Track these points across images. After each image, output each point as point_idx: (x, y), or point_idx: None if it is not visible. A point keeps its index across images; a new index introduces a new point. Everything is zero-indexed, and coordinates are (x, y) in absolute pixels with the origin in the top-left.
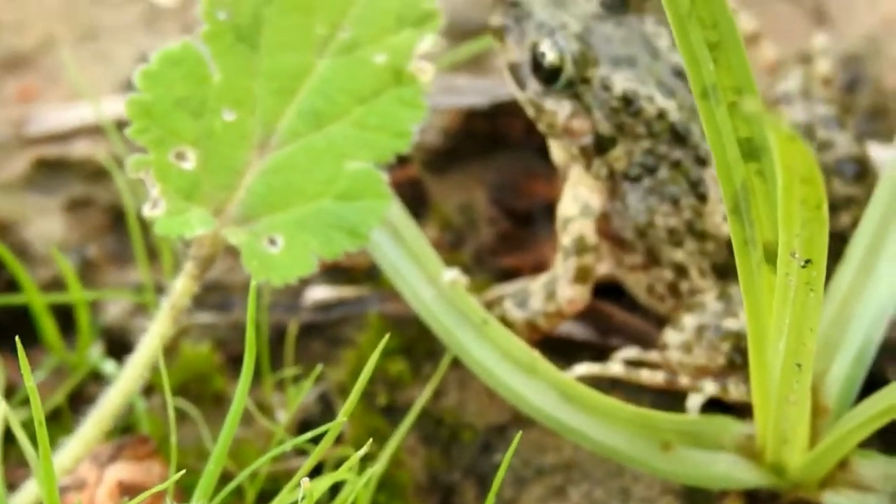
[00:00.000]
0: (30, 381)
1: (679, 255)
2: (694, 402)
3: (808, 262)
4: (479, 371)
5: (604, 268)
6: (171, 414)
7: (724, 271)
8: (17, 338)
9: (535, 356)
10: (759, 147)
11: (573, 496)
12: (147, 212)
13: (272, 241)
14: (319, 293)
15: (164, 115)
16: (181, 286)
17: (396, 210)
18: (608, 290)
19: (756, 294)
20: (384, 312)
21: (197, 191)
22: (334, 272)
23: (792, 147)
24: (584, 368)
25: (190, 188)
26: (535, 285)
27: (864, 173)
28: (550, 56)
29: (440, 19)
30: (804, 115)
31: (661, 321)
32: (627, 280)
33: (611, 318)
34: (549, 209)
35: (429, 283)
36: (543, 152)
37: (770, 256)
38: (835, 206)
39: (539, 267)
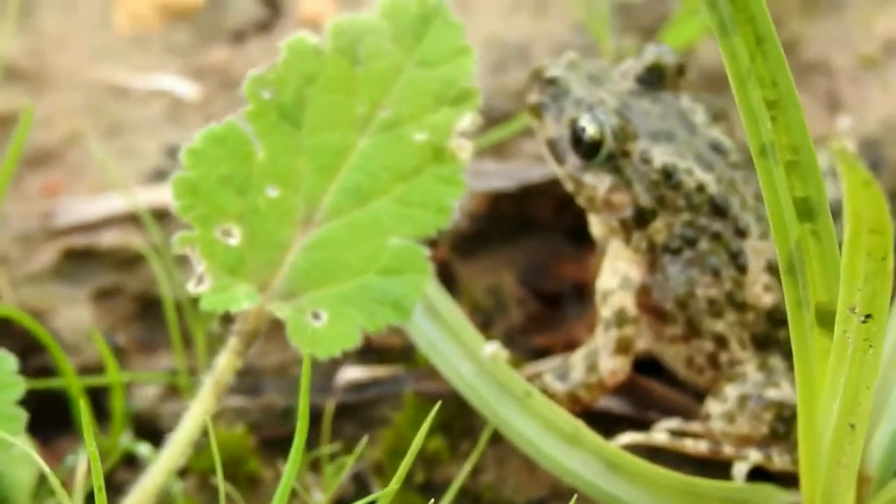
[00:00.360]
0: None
1: (719, 326)
2: (739, 470)
3: (868, 317)
4: (521, 443)
5: (642, 343)
6: (222, 492)
7: (764, 343)
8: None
9: (579, 425)
10: (814, 206)
11: None
12: (192, 288)
13: (316, 316)
14: (353, 373)
15: (210, 192)
16: (225, 362)
17: (432, 287)
18: (647, 366)
19: (808, 356)
20: (420, 391)
21: (242, 267)
22: (367, 352)
23: (865, 193)
24: (629, 437)
25: (235, 264)
26: (575, 358)
27: None
28: (590, 130)
29: (478, 98)
30: (836, 193)
31: (700, 395)
32: (666, 354)
33: (650, 392)
34: (578, 290)
35: (468, 358)
36: (571, 234)
37: (822, 318)
38: None
39: (570, 346)
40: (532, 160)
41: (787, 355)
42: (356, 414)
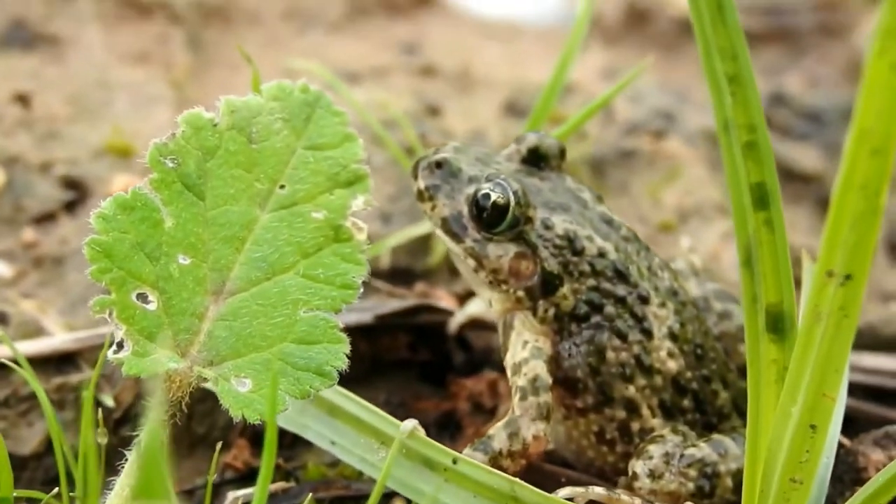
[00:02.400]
0: None
1: (630, 391)
2: None
3: (847, 278)
4: None
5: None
6: None
7: (671, 411)
8: None
9: (516, 481)
10: (768, 194)
11: None
12: (112, 355)
13: (241, 383)
14: (241, 494)
15: (124, 256)
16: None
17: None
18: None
19: (758, 363)
20: (321, 498)
21: (160, 332)
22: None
23: (884, 93)
24: (568, 490)
25: (154, 329)
26: (494, 429)
27: None
28: (494, 196)
29: (369, 182)
30: (699, 290)
31: (610, 477)
32: (574, 433)
33: (559, 476)
34: (445, 418)
35: (381, 445)
36: (427, 371)
37: (772, 323)
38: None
39: None
40: (385, 297)
41: (693, 424)
42: None
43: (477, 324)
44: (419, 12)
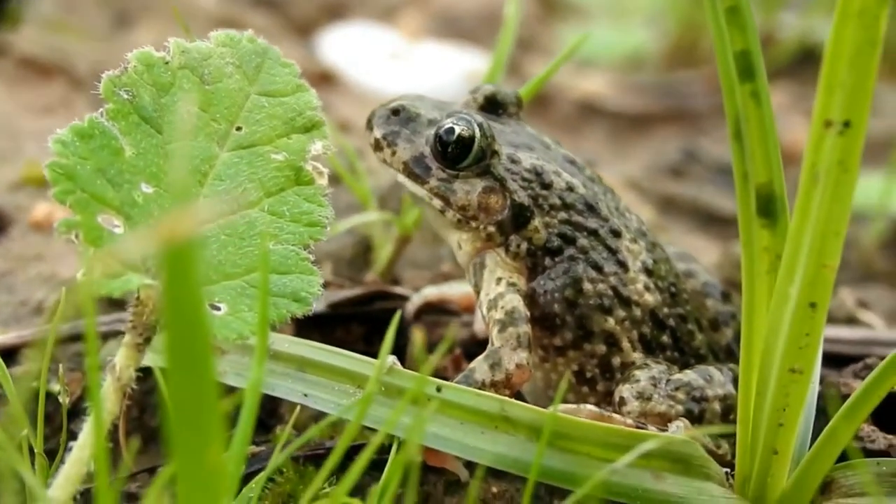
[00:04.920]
0: None
1: (610, 323)
2: (678, 426)
3: (846, 125)
4: (441, 444)
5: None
6: None
7: (649, 346)
8: None
9: (505, 400)
10: (753, 64)
11: None
12: (81, 275)
13: (215, 307)
14: None
15: (86, 179)
16: (124, 358)
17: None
18: None
19: (751, 248)
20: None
21: (129, 258)
22: None
23: None
24: (560, 407)
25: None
26: (476, 362)
27: (728, 294)
28: (459, 129)
29: (326, 129)
30: (661, 254)
31: None
32: (553, 376)
33: None
34: None
35: (357, 388)
36: None
37: (763, 206)
38: (716, 324)
39: None
40: (336, 288)
41: (672, 363)
42: None
43: (434, 310)
44: (320, 88)
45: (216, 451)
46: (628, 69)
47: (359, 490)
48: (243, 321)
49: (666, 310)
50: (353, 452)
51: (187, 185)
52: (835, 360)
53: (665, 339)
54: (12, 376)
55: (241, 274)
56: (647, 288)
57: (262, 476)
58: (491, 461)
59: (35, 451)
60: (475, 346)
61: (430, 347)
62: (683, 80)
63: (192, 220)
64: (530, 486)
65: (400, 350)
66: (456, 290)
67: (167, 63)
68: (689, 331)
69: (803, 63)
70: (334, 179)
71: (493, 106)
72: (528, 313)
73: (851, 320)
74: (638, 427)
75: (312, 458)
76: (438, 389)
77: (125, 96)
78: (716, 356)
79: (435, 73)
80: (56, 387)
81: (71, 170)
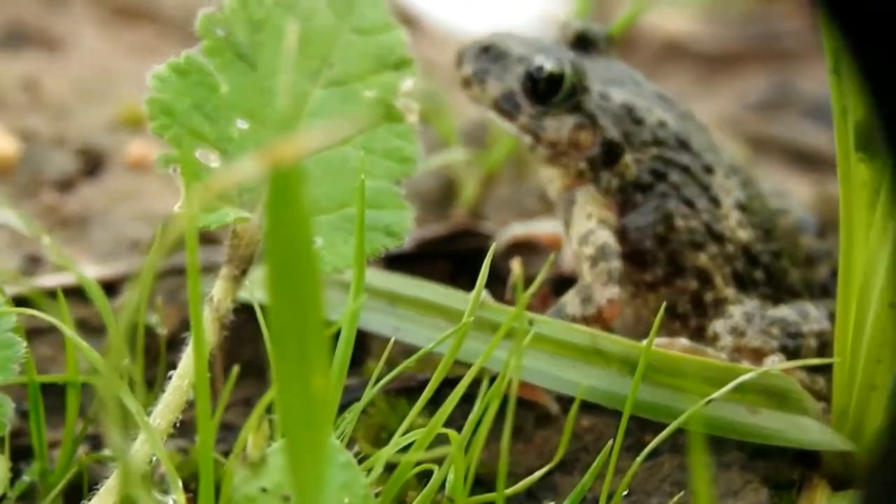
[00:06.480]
0: None
1: (701, 259)
2: (772, 360)
3: None
4: (531, 376)
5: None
6: None
7: (744, 283)
8: None
9: (597, 333)
10: None
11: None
12: (178, 209)
13: None
14: None
15: (183, 115)
16: (221, 290)
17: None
18: None
19: (849, 186)
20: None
21: (225, 191)
22: None
23: None
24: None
25: None
26: (567, 296)
27: (823, 229)
28: (548, 66)
29: (415, 66)
30: (754, 190)
31: None
32: (644, 311)
33: None
34: None
35: (448, 322)
36: None
37: (863, 142)
38: (811, 260)
39: None
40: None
41: (765, 299)
42: None
43: (521, 247)
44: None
45: (320, 381)
46: (716, 6)
47: (450, 422)
48: (338, 255)
49: (759, 246)
50: (442, 386)
51: (289, 117)
52: None
53: (758, 275)
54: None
55: (335, 208)
56: (739, 224)
57: (356, 407)
58: (583, 394)
59: (135, 380)
60: (562, 284)
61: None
62: (775, 15)
63: (298, 147)
64: (625, 420)
65: (487, 286)
66: (543, 228)
67: (261, 1)
68: (783, 267)
69: None
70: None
71: (582, 42)
72: (619, 248)
73: None
74: (732, 360)
75: (404, 391)
76: (531, 323)
77: (220, 33)
78: (810, 293)
79: (512, 15)
80: (153, 319)
81: (168, 105)
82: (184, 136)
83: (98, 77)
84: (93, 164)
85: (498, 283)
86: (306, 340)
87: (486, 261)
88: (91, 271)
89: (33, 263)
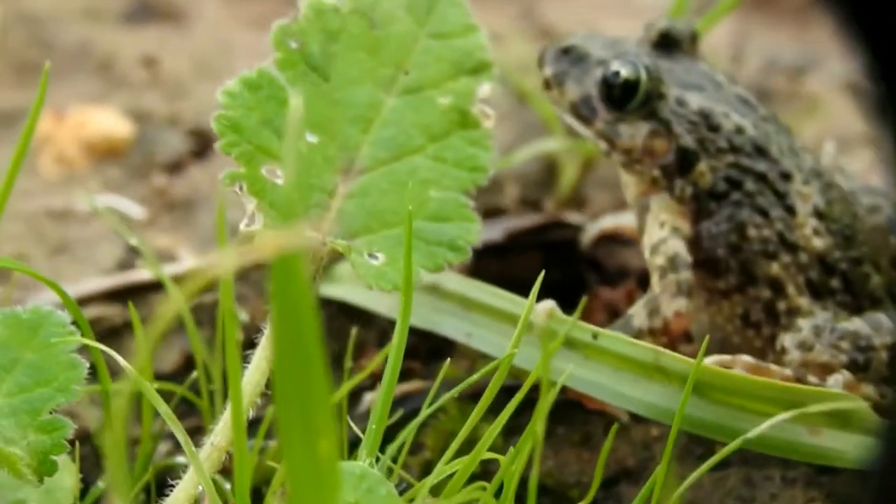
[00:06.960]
0: None
1: (774, 269)
2: (836, 381)
3: None
4: (593, 390)
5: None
6: None
7: (818, 292)
8: None
9: (660, 350)
10: None
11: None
12: (244, 227)
13: (373, 257)
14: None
15: (252, 131)
16: None
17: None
18: None
19: None
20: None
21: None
22: None
23: None
24: (714, 359)
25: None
26: (635, 308)
27: None
28: (625, 72)
29: (493, 70)
30: (847, 185)
31: None
32: (718, 319)
33: None
34: None
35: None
36: (554, 291)
37: None
38: None
39: None
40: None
41: (842, 307)
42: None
43: (610, 240)
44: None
45: (327, 444)
46: None
47: (516, 431)
48: (399, 271)
49: (837, 254)
50: (512, 392)
51: (350, 135)
52: None
53: (835, 283)
54: (201, 304)
55: (400, 223)
56: (815, 232)
57: (423, 414)
58: (643, 410)
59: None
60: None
61: (607, 277)
62: None
63: (297, 238)
64: (672, 434)
65: (576, 277)
66: (631, 220)
67: (337, 10)
68: (864, 273)
69: None
70: (522, 97)
71: (667, 42)
72: (690, 259)
73: None
74: (797, 378)
75: (475, 397)
76: (595, 336)
77: (293, 46)
78: (894, 298)
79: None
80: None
81: (237, 122)
82: (251, 154)
83: (217, 50)
84: (203, 144)
85: (589, 273)
86: (311, 407)
87: (538, 279)
88: (186, 263)
89: (133, 253)
